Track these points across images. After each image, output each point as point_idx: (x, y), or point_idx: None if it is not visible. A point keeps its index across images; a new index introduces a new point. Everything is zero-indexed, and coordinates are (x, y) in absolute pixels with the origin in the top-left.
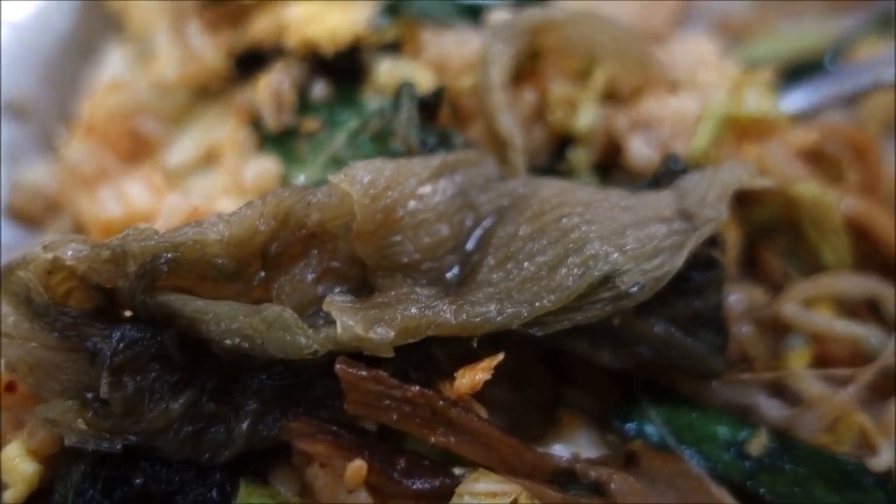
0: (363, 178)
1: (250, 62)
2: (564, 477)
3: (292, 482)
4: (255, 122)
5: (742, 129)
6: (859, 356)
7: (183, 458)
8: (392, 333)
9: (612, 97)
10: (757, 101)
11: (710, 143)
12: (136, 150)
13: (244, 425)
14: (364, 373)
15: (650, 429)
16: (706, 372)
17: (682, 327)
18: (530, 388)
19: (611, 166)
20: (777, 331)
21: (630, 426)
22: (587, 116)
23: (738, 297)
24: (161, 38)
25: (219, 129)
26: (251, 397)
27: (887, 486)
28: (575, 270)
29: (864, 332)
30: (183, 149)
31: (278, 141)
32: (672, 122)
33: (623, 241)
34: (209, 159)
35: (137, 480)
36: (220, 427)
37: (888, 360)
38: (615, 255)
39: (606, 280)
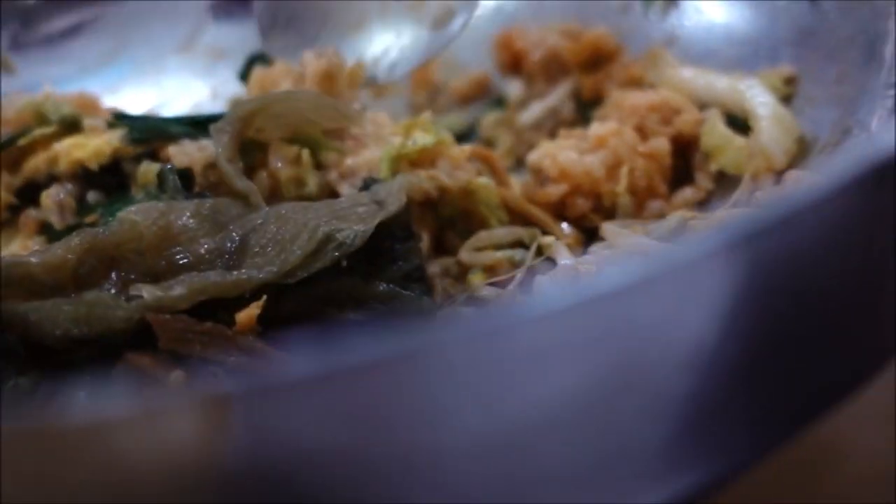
0: (144, 209)
1: (29, 192)
2: None
3: None
4: (44, 229)
5: (418, 160)
6: (514, 267)
7: None
8: (185, 291)
9: (322, 165)
10: (421, 138)
11: (389, 175)
12: None
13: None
14: (169, 316)
15: None
16: (423, 311)
17: (398, 284)
18: None
19: None
20: (463, 271)
21: None
22: (312, 183)
23: (434, 265)
24: None
25: (12, 244)
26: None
27: None
28: (306, 237)
29: (513, 253)
30: None
31: (65, 235)
32: (366, 168)
33: (337, 216)
34: None
35: None
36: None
37: (529, 265)
38: (333, 221)
39: (328, 238)
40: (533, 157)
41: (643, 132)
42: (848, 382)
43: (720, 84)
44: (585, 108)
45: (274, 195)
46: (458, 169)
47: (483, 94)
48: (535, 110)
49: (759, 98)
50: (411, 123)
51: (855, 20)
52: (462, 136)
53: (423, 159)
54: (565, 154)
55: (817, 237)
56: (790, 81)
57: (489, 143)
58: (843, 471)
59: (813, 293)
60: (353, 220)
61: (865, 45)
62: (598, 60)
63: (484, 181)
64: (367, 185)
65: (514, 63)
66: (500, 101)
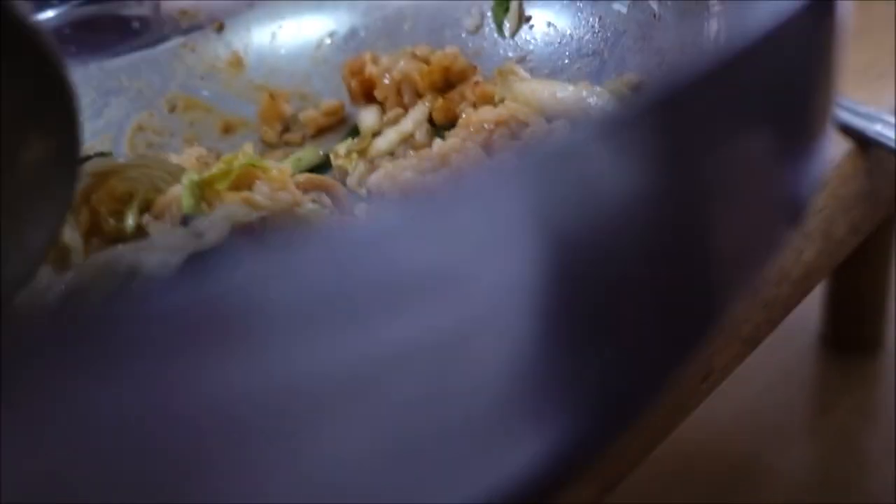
0: None
1: None
2: None
3: None
4: None
5: (235, 185)
6: None
7: None
8: None
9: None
10: (230, 160)
11: (194, 203)
12: None
13: None
14: None
15: None
16: None
17: None
18: None
19: None
20: None
21: None
22: (131, 219)
23: None
24: None
25: None
26: None
27: None
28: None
29: None
30: None
31: None
32: (176, 204)
33: (144, 249)
34: None
35: None
36: None
37: None
38: (138, 256)
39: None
40: (372, 179)
41: (491, 148)
42: (681, 345)
43: (565, 94)
44: (440, 130)
45: (92, 230)
46: (280, 191)
47: (339, 125)
48: (389, 136)
49: (602, 105)
50: (232, 157)
51: (687, 23)
52: (318, 169)
53: (239, 184)
54: (405, 174)
55: (613, 173)
56: (637, 88)
57: (342, 172)
58: (758, 491)
59: (620, 243)
60: (167, 251)
61: (699, 47)
62: (450, 81)
63: (315, 207)
64: (186, 220)
65: (366, 90)
66: (356, 131)
